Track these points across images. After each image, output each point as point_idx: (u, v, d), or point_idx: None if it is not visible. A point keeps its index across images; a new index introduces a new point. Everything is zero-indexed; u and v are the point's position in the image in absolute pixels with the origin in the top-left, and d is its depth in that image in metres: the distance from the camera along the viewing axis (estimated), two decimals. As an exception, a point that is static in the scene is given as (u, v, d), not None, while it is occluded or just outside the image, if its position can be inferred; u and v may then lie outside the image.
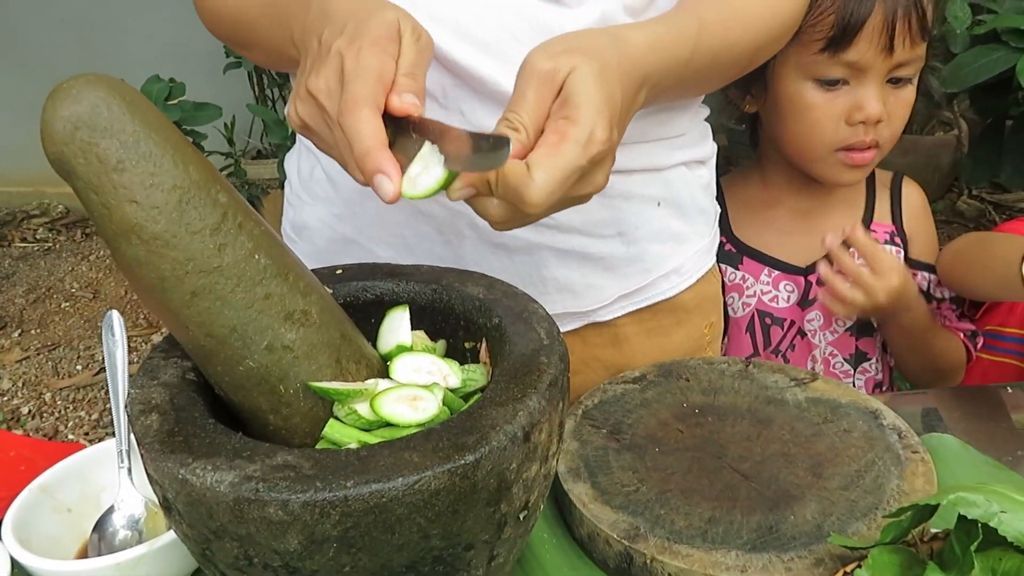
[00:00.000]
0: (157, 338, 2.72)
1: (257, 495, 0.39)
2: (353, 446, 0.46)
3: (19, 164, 3.58)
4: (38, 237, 3.50)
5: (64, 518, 0.64)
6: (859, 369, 1.04)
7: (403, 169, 0.46)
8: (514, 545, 0.48)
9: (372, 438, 0.47)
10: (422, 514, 0.41)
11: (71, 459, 0.65)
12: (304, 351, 0.48)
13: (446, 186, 0.47)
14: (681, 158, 0.76)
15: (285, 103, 0.78)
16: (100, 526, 0.63)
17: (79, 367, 2.58)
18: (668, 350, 0.81)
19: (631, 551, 0.57)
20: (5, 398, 2.44)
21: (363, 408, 0.48)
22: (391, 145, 0.47)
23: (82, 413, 2.39)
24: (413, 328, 0.56)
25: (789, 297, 1.03)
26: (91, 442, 2.27)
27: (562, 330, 0.73)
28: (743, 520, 0.59)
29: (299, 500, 0.39)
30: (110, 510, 0.64)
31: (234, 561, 0.42)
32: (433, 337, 0.58)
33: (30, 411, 2.38)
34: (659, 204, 0.76)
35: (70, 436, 2.28)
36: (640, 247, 0.76)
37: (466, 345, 0.57)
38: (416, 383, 0.50)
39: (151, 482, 0.44)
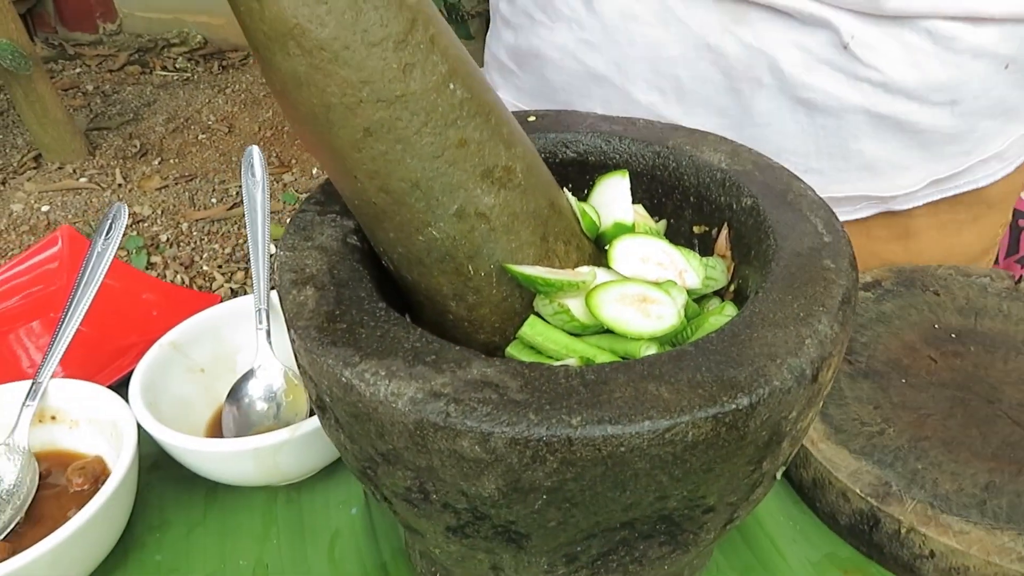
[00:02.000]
0: (288, 178, 2.71)
1: (448, 421, 0.28)
2: (571, 362, 0.35)
3: (161, -10, 3.57)
4: (177, 66, 3.51)
5: (197, 379, 0.57)
6: None
7: None
8: (757, 505, 0.36)
9: (588, 349, 0.35)
10: (667, 471, 0.29)
11: (204, 315, 0.57)
12: (503, 222, 0.35)
13: None
14: None
15: None
16: (235, 393, 0.55)
17: (214, 200, 2.61)
18: (956, 251, 0.66)
19: (879, 513, 0.44)
20: (146, 224, 2.51)
21: (576, 306, 0.36)
22: None
23: (216, 246, 2.43)
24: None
25: None
26: (224, 276, 2.32)
27: (847, 218, 0.59)
28: (1035, 493, 0.45)
29: (506, 435, 0.27)
30: (247, 376, 0.56)
31: (404, 492, 0.32)
32: (651, 215, 0.45)
33: (168, 239, 2.43)
34: (1007, 67, 0.57)
35: (204, 267, 2.32)
36: (970, 121, 0.58)
37: (695, 229, 0.44)
38: (645, 278, 0.37)
39: (302, 374, 0.34)
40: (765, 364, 0.30)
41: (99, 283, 0.55)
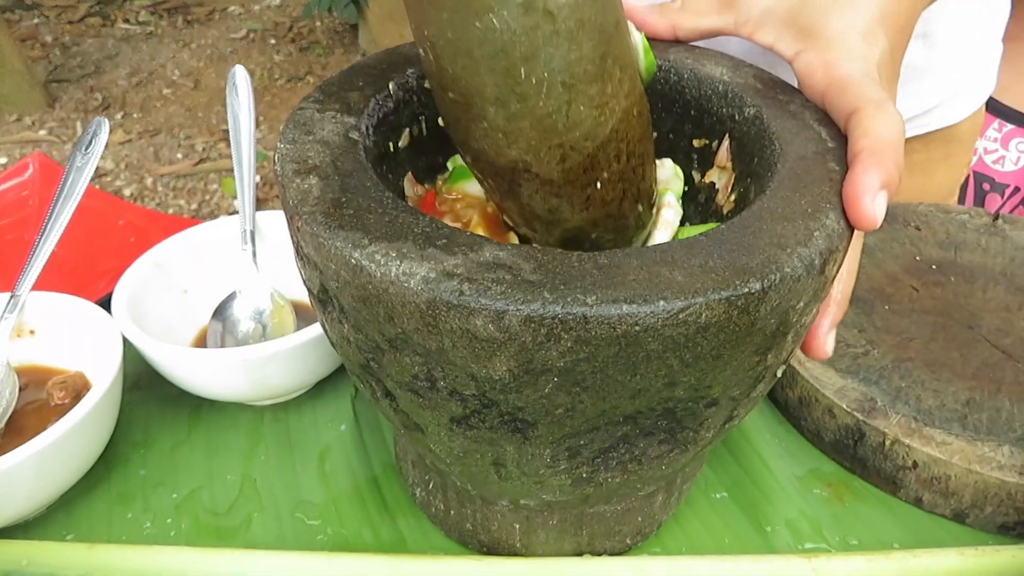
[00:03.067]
0: (256, 135, 2.65)
1: (461, 299, 0.27)
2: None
3: (122, -61, 3.45)
4: (140, 20, 3.41)
5: (179, 300, 0.56)
6: None
7: None
8: (756, 403, 0.37)
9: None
10: (678, 354, 0.29)
11: (186, 234, 0.56)
12: (568, 27, 0.32)
13: None
14: None
15: None
16: (221, 312, 0.54)
17: (179, 155, 2.56)
18: (929, 189, 0.67)
19: (864, 427, 0.45)
20: (108, 178, 2.45)
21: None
22: None
23: (182, 201, 2.38)
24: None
25: (1019, 159, 0.84)
26: (190, 231, 2.28)
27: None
28: (1014, 409, 0.46)
29: (521, 313, 0.27)
30: (232, 296, 0.55)
31: (410, 381, 0.32)
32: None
33: (131, 194, 2.38)
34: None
35: (170, 223, 2.27)
36: (941, 54, 0.59)
37: (694, 143, 0.44)
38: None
39: (305, 265, 0.34)
40: (776, 253, 0.30)
41: (79, 199, 0.53)
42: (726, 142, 0.42)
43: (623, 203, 0.39)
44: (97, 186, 2.40)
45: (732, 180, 0.41)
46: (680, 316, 0.28)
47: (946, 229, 0.61)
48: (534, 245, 0.30)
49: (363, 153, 0.35)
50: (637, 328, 0.28)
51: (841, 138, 0.37)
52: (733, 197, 0.41)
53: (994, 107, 0.84)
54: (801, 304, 0.31)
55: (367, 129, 0.38)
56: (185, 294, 0.56)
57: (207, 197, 2.38)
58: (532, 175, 0.35)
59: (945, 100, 0.62)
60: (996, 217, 0.62)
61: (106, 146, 2.65)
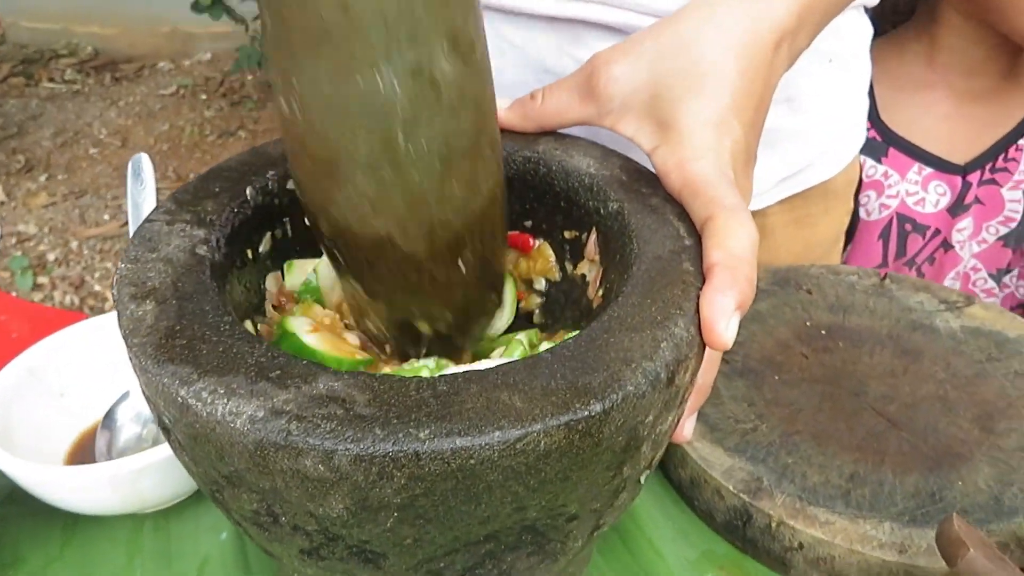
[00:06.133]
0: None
1: (289, 439, 0.26)
2: (424, 373, 0.34)
3: (47, -2, 3.40)
4: (66, 78, 3.35)
5: (55, 404, 0.53)
6: (1000, 283, 0.89)
7: None
8: (623, 510, 0.36)
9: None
10: (522, 482, 0.28)
11: (62, 335, 0.54)
12: (451, 100, 0.32)
13: None
14: None
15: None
16: (109, 418, 0.52)
17: (106, 216, 2.50)
18: (812, 242, 0.69)
19: (751, 509, 0.45)
20: (31, 243, 2.37)
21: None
22: None
23: (109, 264, 2.32)
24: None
25: (939, 201, 0.86)
26: (117, 295, 2.21)
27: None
28: (896, 481, 0.47)
29: (349, 453, 0.26)
30: (121, 398, 0.53)
31: (253, 516, 0.30)
32: (523, 218, 0.45)
33: (56, 259, 2.31)
34: (830, 60, 0.60)
35: (96, 287, 2.22)
36: (806, 117, 0.61)
37: (566, 235, 0.44)
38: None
39: (144, 395, 0.32)
40: (620, 369, 0.30)
41: None
42: (593, 235, 0.42)
43: (480, 285, 0.38)
44: (19, 252, 2.33)
45: (600, 274, 0.41)
46: (517, 446, 0.27)
47: (836, 292, 0.62)
48: (372, 374, 0.29)
49: (209, 271, 0.34)
50: (472, 461, 0.27)
51: (699, 236, 0.37)
52: (600, 292, 0.41)
53: (913, 151, 0.87)
54: (650, 418, 0.31)
55: (218, 242, 0.37)
56: (62, 397, 0.53)
57: (134, 259, 2.32)
58: (396, 249, 0.34)
59: (816, 158, 0.65)
60: (884, 277, 0.64)
61: (29, 210, 2.57)
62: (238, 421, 0.27)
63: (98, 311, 2.13)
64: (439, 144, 0.32)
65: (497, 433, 0.27)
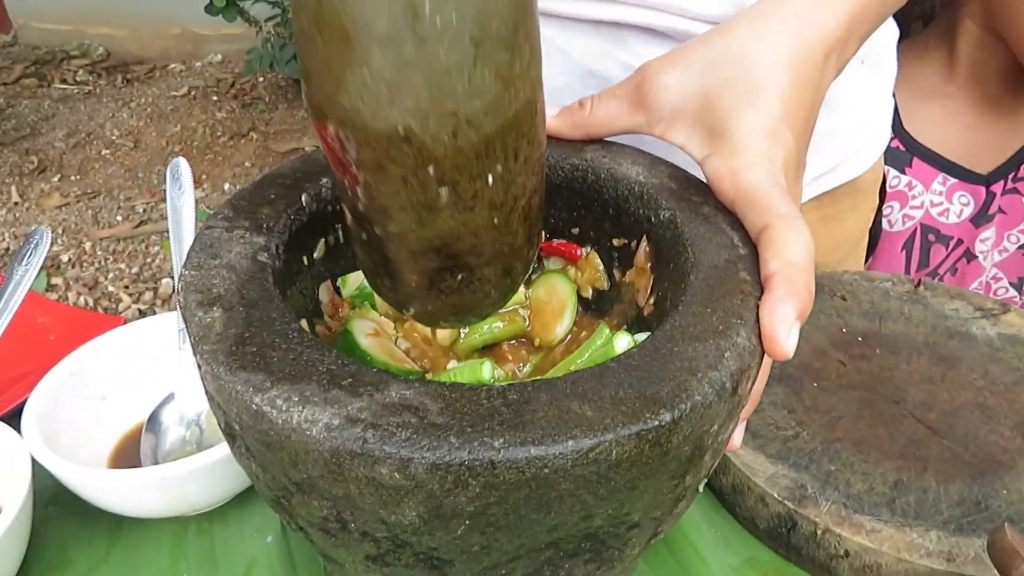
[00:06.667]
0: (199, 194, 2.62)
1: (365, 448, 0.27)
2: (491, 375, 0.34)
3: (59, 0, 3.41)
4: (78, 79, 3.36)
5: (97, 407, 0.54)
6: (1021, 292, 0.89)
7: None
8: (680, 517, 0.37)
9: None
10: (592, 490, 0.29)
11: (103, 339, 0.54)
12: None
13: None
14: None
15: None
16: (152, 420, 0.52)
17: (119, 217, 2.51)
18: (840, 239, 0.70)
19: (796, 516, 0.45)
20: (45, 244, 2.38)
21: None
22: None
23: (122, 265, 2.33)
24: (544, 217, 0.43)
25: (962, 211, 0.86)
26: (131, 296, 2.22)
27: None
28: (940, 489, 0.47)
29: (426, 461, 0.26)
30: (166, 400, 0.53)
31: (320, 522, 0.31)
32: (570, 226, 0.45)
33: (70, 260, 2.32)
34: (862, 62, 0.62)
35: (110, 288, 2.22)
36: (839, 117, 0.62)
37: (614, 242, 0.44)
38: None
39: (210, 402, 0.32)
40: (686, 379, 0.30)
41: (13, 312, 0.51)
42: (644, 244, 0.42)
43: (512, 216, 0.33)
44: (33, 252, 2.34)
45: (651, 282, 0.41)
46: (590, 455, 0.27)
47: (870, 298, 0.62)
48: (443, 382, 0.29)
49: (271, 277, 0.35)
50: (546, 470, 0.27)
51: (752, 245, 0.37)
52: (652, 300, 0.41)
53: (938, 161, 0.87)
54: (715, 427, 0.31)
55: (277, 249, 0.37)
56: (104, 400, 0.54)
57: (148, 260, 2.33)
58: (412, 148, 0.29)
59: (847, 157, 0.66)
60: (918, 284, 0.64)
61: (42, 210, 2.57)
62: (314, 429, 0.27)
63: (112, 312, 2.14)
64: (472, 22, 0.28)
65: (571, 442, 0.27)
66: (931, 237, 0.86)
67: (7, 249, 2.36)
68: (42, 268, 2.20)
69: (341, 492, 0.28)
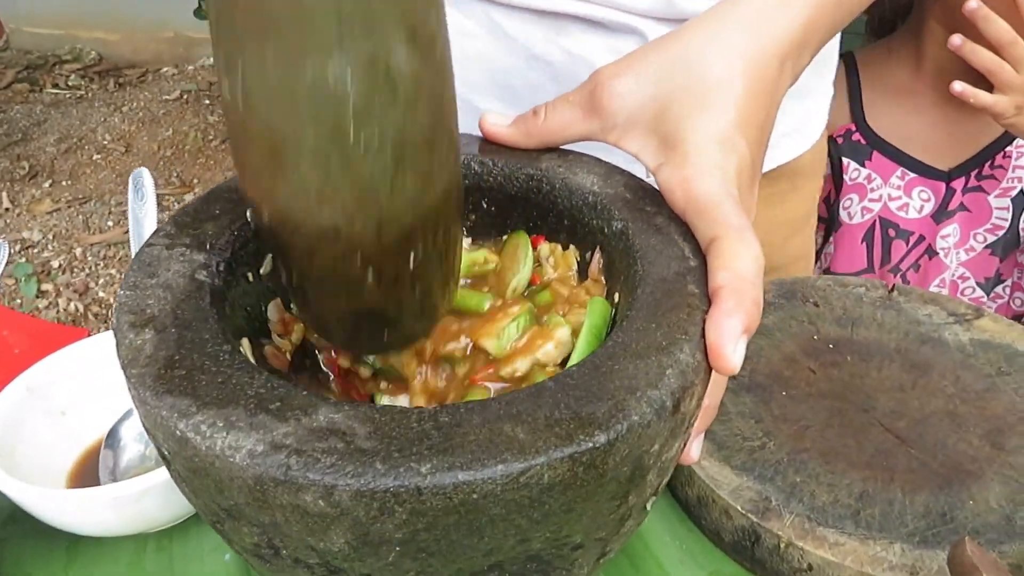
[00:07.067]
0: (190, 198, 2.61)
1: (288, 475, 0.26)
2: (421, 402, 0.33)
3: (51, 4, 3.40)
4: (70, 84, 3.35)
5: (57, 423, 0.53)
6: (991, 294, 0.88)
7: None
8: (629, 537, 0.36)
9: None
10: (525, 514, 0.28)
11: (63, 353, 0.53)
12: (408, 95, 0.30)
13: None
14: None
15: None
16: (112, 436, 0.52)
17: (110, 223, 2.50)
18: (780, 220, 0.70)
19: (759, 529, 0.45)
20: (35, 250, 2.38)
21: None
22: None
23: (113, 271, 2.32)
24: (501, 226, 0.42)
25: (923, 207, 0.86)
26: (122, 301, 2.21)
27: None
28: (906, 501, 0.46)
29: (350, 488, 0.26)
30: (124, 416, 0.52)
31: (254, 548, 0.30)
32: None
33: (60, 265, 2.31)
34: None
35: (101, 294, 2.22)
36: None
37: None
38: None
39: (143, 426, 0.32)
40: (625, 398, 0.29)
41: None
42: (597, 255, 0.41)
43: (433, 283, 0.36)
44: (23, 259, 2.33)
45: (604, 293, 0.41)
46: (521, 479, 0.27)
47: (843, 304, 0.62)
48: (373, 404, 0.28)
49: (209, 297, 0.34)
50: (475, 496, 0.26)
51: (703, 256, 0.36)
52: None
53: (897, 156, 0.86)
54: (656, 447, 0.30)
55: (218, 266, 0.36)
56: (63, 416, 0.53)
57: (139, 265, 2.33)
58: (340, 241, 0.32)
59: (782, 138, 0.66)
60: (891, 289, 0.63)
61: (33, 216, 2.57)
62: (237, 456, 0.27)
63: (103, 318, 2.14)
64: (392, 137, 0.30)
65: (500, 467, 0.26)
66: (891, 232, 0.86)
67: (-3, 255, 2.35)
68: (32, 275, 2.18)
69: (268, 519, 0.28)
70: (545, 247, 0.44)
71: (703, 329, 0.32)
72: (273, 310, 0.41)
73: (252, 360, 0.37)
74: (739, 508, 0.45)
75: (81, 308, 2.17)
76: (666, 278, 0.35)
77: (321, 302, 0.36)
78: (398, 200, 0.32)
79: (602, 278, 0.41)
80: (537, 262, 0.44)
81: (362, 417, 0.28)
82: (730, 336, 0.31)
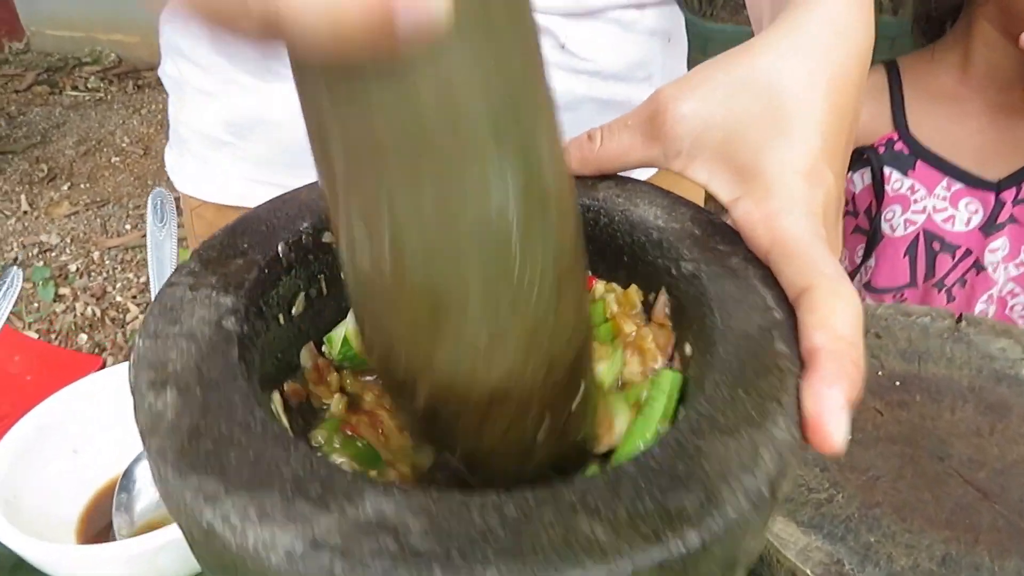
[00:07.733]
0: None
1: (331, 579, 0.22)
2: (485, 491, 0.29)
3: (71, 7, 3.40)
4: (89, 86, 3.35)
5: (67, 462, 0.50)
6: None
7: None
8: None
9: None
10: (605, 622, 0.24)
11: (74, 389, 0.50)
12: (555, 216, 0.27)
13: None
14: None
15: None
16: (127, 478, 0.48)
17: (128, 226, 2.48)
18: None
19: (833, 597, 0.41)
20: (53, 253, 2.36)
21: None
22: None
23: (130, 275, 2.30)
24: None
25: (970, 220, 0.81)
26: (139, 307, 2.19)
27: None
28: (995, 567, 0.42)
29: (404, 597, 0.22)
30: (142, 456, 0.49)
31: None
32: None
33: (78, 269, 2.30)
34: (669, 40, 0.67)
35: (118, 298, 2.20)
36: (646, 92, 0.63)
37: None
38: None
39: (165, 503, 0.28)
40: (717, 485, 0.25)
41: None
42: (663, 297, 0.37)
43: (587, 410, 0.32)
44: (41, 262, 2.32)
45: (672, 340, 0.37)
46: (602, 586, 0.23)
47: (907, 336, 0.57)
48: (428, 492, 0.25)
49: (237, 349, 0.30)
50: (551, 606, 0.23)
51: (789, 306, 0.32)
52: (677, 358, 0.36)
53: (942, 165, 0.82)
54: (751, 543, 0.26)
55: (247, 310, 0.32)
56: (75, 454, 0.50)
57: (156, 270, 2.30)
58: (510, 403, 0.28)
59: None
60: (959, 319, 0.59)
61: (51, 219, 2.55)
62: (273, 557, 0.23)
63: (119, 323, 2.12)
64: (552, 267, 0.27)
65: (578, 571, 0.23)
66: (936, 245, 0.81)
67: (15, 259, 2.34)
68: (50, 279, 2.16)
69: (306, 626, 0.24)
70: (600, 285, 0.40)
71: (797, 399, 0.28)
72: (306, 356, 0.37)
73: (284, 419, 0.33)
74: (808, 571, 0.41)
75: (98, 312, 2.15)
76: (749, 333, 0.31)
77: (490, 469, 0.32)
78: (561, 339, 0.28)
79: (668, 323, 0.37)
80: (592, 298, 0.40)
81: (415, 508, 0.24)
82: (832, 408, 0.27)
